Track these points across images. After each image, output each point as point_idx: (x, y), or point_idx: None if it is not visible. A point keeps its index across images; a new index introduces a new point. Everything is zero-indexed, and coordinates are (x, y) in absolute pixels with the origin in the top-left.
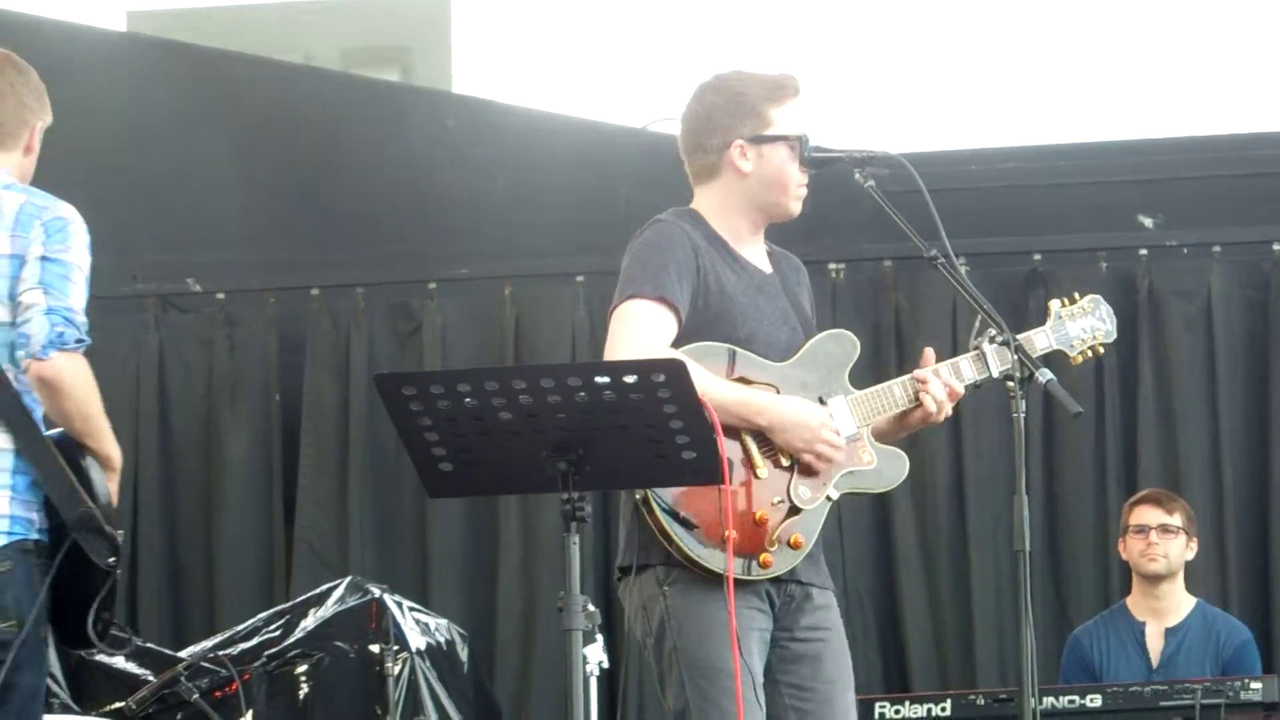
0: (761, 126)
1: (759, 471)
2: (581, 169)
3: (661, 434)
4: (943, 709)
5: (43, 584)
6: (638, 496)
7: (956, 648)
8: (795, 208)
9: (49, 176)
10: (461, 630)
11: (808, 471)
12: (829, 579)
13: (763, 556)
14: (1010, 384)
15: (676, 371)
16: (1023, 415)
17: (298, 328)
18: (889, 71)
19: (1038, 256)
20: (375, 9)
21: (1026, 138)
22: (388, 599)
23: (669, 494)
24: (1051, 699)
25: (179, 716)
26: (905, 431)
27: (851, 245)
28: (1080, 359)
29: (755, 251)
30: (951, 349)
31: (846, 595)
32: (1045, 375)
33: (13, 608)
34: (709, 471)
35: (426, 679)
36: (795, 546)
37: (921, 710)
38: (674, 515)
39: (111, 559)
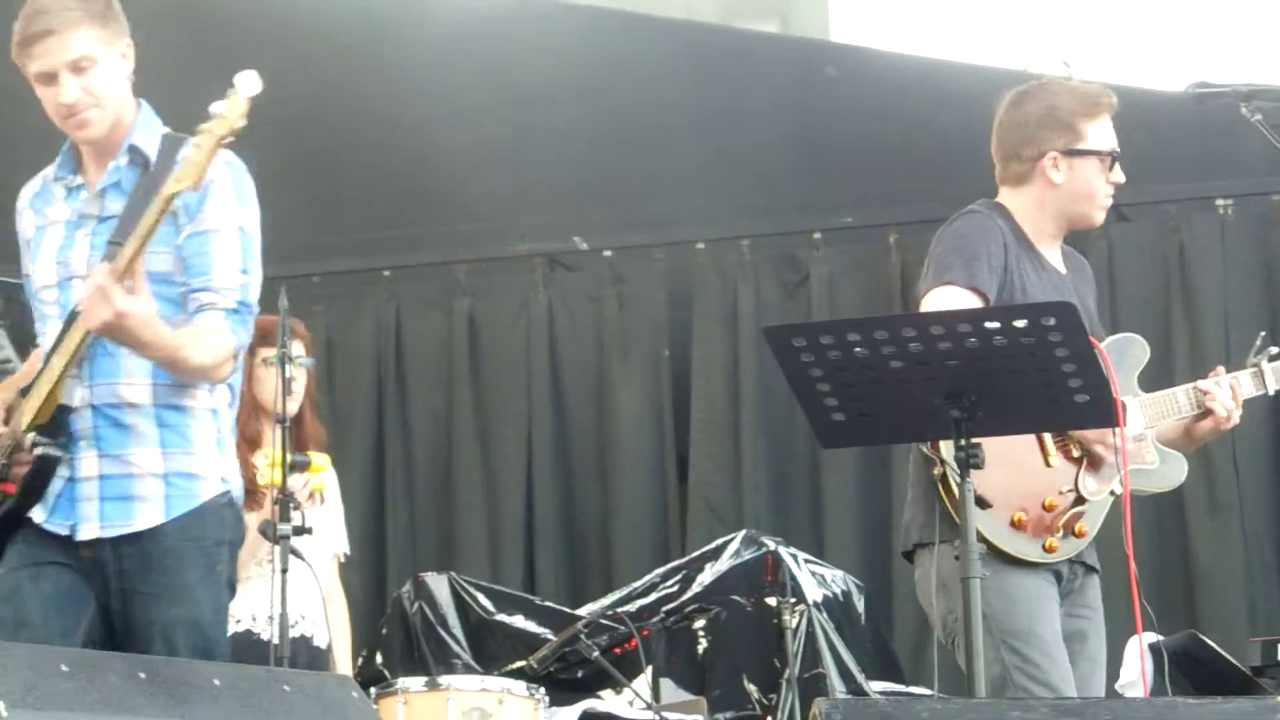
0: (1075, 140)
1: (1050, 460)
2: (964, 113)
3: (1054, 377)
4: None
5: None
6: (935, 473)
7: None
8: (1099, 217)
9: (433, 140)
10: (858, 581)
11: (1096, 465)
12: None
13: (1048, 541)
14: None
15: (1068, 314)
16: None
17: (685, 282)
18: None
19: None
20: None
21: None
22: (783, 551)
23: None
24: None
25: (579, 674)
26: (1194, 443)
27: (1240, 180)
28: None
29: (1054, 253)
30: None
31: (1245, 536)
32: None
33: None
34: (1103, 414)
35: (824, 631)
36: (1079, 535)
37: None
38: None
39: None
